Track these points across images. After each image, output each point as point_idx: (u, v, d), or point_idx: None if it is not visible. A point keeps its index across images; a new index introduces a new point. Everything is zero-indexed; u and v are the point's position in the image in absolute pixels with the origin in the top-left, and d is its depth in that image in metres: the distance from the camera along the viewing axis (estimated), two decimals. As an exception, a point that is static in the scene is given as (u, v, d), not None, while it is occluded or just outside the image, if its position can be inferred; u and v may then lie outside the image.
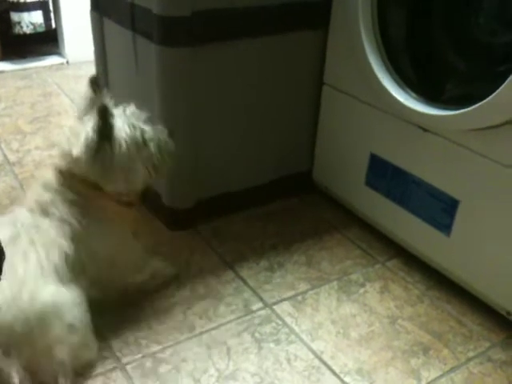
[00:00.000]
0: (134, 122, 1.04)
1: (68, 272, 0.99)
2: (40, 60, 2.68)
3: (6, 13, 2.57)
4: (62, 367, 0.95)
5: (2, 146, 1.86)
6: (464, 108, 1.09)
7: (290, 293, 1.25)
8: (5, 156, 1.79)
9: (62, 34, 2.67)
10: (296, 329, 1.15)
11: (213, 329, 1.15)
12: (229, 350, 1.10)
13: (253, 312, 1.19)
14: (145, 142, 1.05)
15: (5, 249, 0.89)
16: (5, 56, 2.66)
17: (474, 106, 1.07)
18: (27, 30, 2.56)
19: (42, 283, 0.94)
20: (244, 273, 1.30)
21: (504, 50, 1.18)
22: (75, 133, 1.00)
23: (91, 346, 1.03)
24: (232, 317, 1.18)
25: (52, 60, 2.69)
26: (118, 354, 1.07)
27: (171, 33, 1.21)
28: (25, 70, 2.58)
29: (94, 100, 1.03)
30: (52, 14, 2.60)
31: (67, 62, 2.68)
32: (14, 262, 0.93)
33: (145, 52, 1.30)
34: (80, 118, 1.03)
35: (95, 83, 1.05)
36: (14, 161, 1.77)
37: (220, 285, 1.26)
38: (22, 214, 1.01)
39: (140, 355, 1.08)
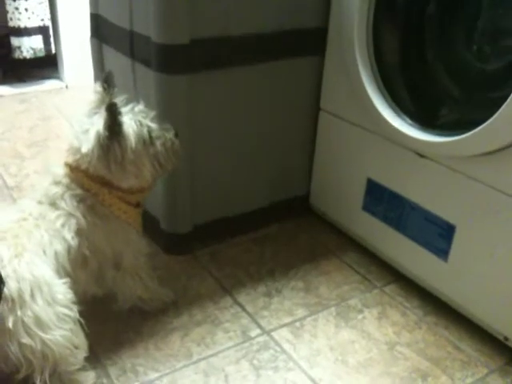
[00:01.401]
0: (141, 119, 1.06)
1: (68, 263, 1.00)
2: (39, 84, 2.70)
3: (7, 37, 2.60)
4: (43, 357, 0.93)
5: (1, 170, 1.87)
6: (459, 134, 1.11)
7: (288, 319, 1.25)
8: (3, 180, 1.80)
9: (61, 58, 2.70)
10: (294, 356, 1.15)
11: (210, 356, 1.14)
12: (227, 377, 1.09)
13: (251, 338, 1.19)
14: (151, 140, 1.06)
15: (10, 228, 0.96)
16: (4, 80, 2.68)
17: (469, 133, 1.08)
18: (27, 54, 2.59)
19: (40, 262, 0.95)
20: (242, 298, 1.30)
21: (498, 76, 1.19)
22: (84, 129, 1.02)
23: (80, 343, 1.00)
24: (230, 343, 1.17)
25: (51, 84, 2.72)
26: (116, 381, 1.07)
27: (170, 60, 1.22)
28: (24, 93, 2.60)
29: (103, 97, 1.05)
30: (52, 39, 2.63)
31: (66, 87, 2.70)
32: (17, 236, 0.95)
33: (143, 78, 1.32)
34: (89, 115, 1.04)
35: (106, 81, 1.06)
36: (13, 185, 1.77)
37: (218, 311, 1.26)
38: (31, 205, 1.03)
39: (137, 383, 1.07)
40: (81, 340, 0.99)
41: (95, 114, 1.03)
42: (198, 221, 1.45)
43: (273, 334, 1.20)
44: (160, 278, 1.28)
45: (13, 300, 0.89)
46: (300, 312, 1.27)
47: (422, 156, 1.23)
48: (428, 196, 1.24)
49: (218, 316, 1.25)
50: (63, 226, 1.01)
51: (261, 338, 1.19)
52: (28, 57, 2.59)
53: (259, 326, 1.22)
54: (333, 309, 1.28)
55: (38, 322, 0.91)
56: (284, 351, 1.16)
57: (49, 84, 2.72)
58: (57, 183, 1.05)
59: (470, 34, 1.22)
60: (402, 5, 1.30)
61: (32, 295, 0.91)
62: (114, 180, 1.05)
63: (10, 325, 0.89)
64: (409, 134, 1.22)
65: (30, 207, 1.02)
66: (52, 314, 0.93)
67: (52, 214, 1.01)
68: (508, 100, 0.99)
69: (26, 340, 0.90)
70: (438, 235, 1.23)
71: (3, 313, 0.89)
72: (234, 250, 1.48)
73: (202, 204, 1.43)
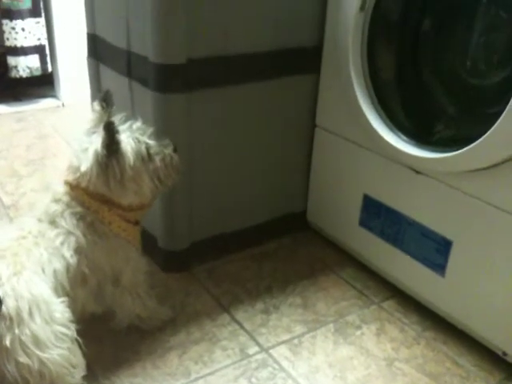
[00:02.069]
0: (139, 136, 1.07)
1: (67, 281, 1.00)
2: (36, 102, 2.71)
3: (3, 56, 2.61)
4: (40, 376, 0.92)
5: (-3, 188, 1.87)
6: (454, 150, 1.12)
7: (287, 336, 1.24)
8: (0, 199, 1.80)
9: (57, 77, 2.71)
10: (293, 373, 1.14)
11: (208, 374, 1.13)
12: (225, 395, 1.09)
13: (249, 356, 1.18)
14: (150, 156, 1.07)
15: (10, 246, 0.96)
16: (1, 99, 2.69)
17: (463, 149, 1.09)
18: (24, 73, 2.60)
19: (39, 280, 0.95)
20: (240, 316, 1.30)
21: (492, 92, 1.21)
22: (83, 148, 1.03)
23: (78, 362, 0.99)
24: (228, 361, 1.17)
25: (48, 102, 2.73)
26: (113, 401, 1.06)
27: (167, 80, 1.23)
28: (21, 112, 2.61)
29: (101, 116, 1.06)
30: (48, 58, 2.64)
31: (63, 105, 2.71)
32: (16, 254, 0.95)
33: (141, 97, 1.33)
34: (88, 134, 1.05)
35: (104, 100, 1.08)
36: (9, 204, 1.77)
37: (215, 328, 1.26)
38: (30, 222, 1.03)
39: (135, 402, 1.06)
40: (78, 359, 0.99)
41: (94, 132, 1.04)
42: (196, 238, 1.45)
43: (271, 351, 1.20)
44: (158, 296, 1.28)
45: (11, 318, 0.89)
46: (298, 329, 1.27)
47: (417, 172, 1.24)
48: (424, 211, 1.25)
49: (215, 334, 1.24)
50: (62, 244, 1.01)
51: (259, 356, 1.19)
52: (24, 76, 2.61)
53: (257, 344, 1.22)
54: (331, 325, 1.28)
55: (36, 340, 0.91)
56: (282, 369, 1.16)
57: (45, 102, 2.73)
58: (57, 201, 1.05)
59: (464, 50, 1.24)
60: (396, 22, 1.32)
61: (30, 313, 0.91)
62: (114, 197, 1.05)
63: (8, 343, 0.89)
64: (404, 150, 1.23)
65: (30, 225, 1.03)
66: (50, 332, 0.93)
67: (51, 232, 1.01)
68: (502, 116, 1.00)
69: (23, 359, 0.90)
70: (434, 250, 1.24)
71: (1, 331, 0.89)
72: (231, 267, 1.48)
73: (200, 221, 1.43)
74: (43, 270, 0.97)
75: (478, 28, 1.19)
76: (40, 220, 1.04)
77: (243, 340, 1.23)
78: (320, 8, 1.38)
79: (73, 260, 1.01)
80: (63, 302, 0.97)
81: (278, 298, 1.37)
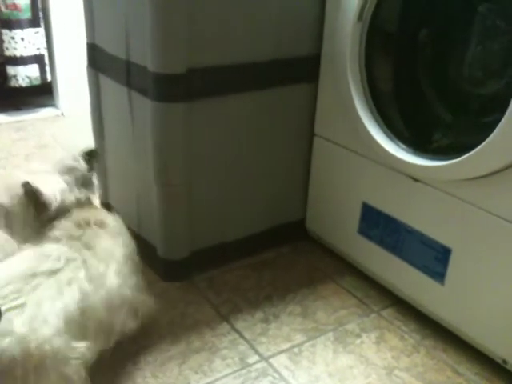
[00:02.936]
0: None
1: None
2: (35, 112, 2.72)
3: (2, 66, 2.62)
4: None
5: (-3, 198, 1.87)
6: (453, 158, 1.12)
7: (286, 345, 1.24)
8: (-1, 208, 1.80)
9: (57, 86, 2.72)
10: (293, 382, 1.14)
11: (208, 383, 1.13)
12: (225, 405, 1.09)
13: (249, 365, 1.18)
14: None
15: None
16: (0, 108, 2.70)
17: (462, 157, 1.10)
18: (23, 83, 2.61)
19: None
20: (239, 325, 1.30)
21: (490, 100, 1.22)
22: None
23: None
24: (228, 371, 1.17)
25: (47, 112, 2.73)
26: (113, 412, 1.06)
27: (166, 89, 1.24)
28: (20, 122, 2.61)
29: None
30: (48, 68, 2.65)
31: (62, 114, 2.72)
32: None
33: (140, 107, 1.34)
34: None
35: (90, 155, 1.16)
36: (9, 213, 1.77)
37: (215, 337, 1.26)
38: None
39: (135, 413, 1.06)
40: None
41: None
42: (196, 247, 1.45)
43: (271, 360, 1.20)
44: (157, 305, 1.28)
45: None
46: (298, 337, 1.27)
47: (416, 180, 1.24)
48: (423, 220, 1.25)
49: (215, 343, 1.24)
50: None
51: (259, 365, 1.18)
52: (24, 85, 2.62)
53: (257, 353, 1.22)
54: (330, 334, 1.28)
55: None
56: (283, 378, 1.15)
57: (45, 112, 2.74)
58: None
59: (461, 59, 1.24)
60: (394, 32, 1.33)
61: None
62: None
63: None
64: (403, 158, 1.24)
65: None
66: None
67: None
68: (500, 124, 1.01)
69: None
70: (434, 258, 1.24)
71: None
72: (231, 276, 1.48)
73: (200, 230, 1.43)
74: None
75: (475, 37, 1.20)
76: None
77: (243, 349, 1.23)
78: (318, 18, 1.39)
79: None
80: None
81: (277, 306, 1.37)
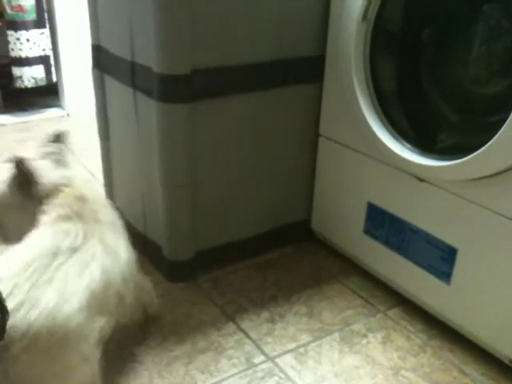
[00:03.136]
0: None
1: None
2: (41, 112, 2.73)
3: (8, 67, 2.64)
4: None
5: (3, 199, 1.87)
6: (458, 158, 1.12)
7: (292, 345, 1.24)
8: (5, 209, 1.80)
9: (62, 87, 2.73)
10: (299, 382, 1.14)
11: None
12: (231, 405, 1.09)
13: (255, 365, 1.18)
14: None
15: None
16: (6, 109, 2.71)
17: (467, 157, 1.09)
18: (28, 83, 2.62)
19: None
20: (245, 325, 1.30)
21: (495, 100, 1.21)
22: None
23: None
24: (234, 371, 1.17)
25: (52, 112, 2.75)
26: (119, 412, 1.06)
27: (171, 90, 1.24)
28: (26, 122, 2.62)
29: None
30: (53, 68, 2.66)
31: (68, 115, 2.73)
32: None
33: (145, 108, 1.34)
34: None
35: (59, 138, 1.19)
36: (15, 214, 1.77)
37: (221, 338, 1.26)
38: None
39: (141, 413, 1.06)
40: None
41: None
42: (200, 247, 1.45)
43: (277, 360, 1.20)
44: (162, 306, 1.28)
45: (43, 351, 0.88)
46: (304, 338, 1.27)
47: (421, 180, 1.24)
48: (429, 219, 1.25)
49: (221, 343, 1.24)
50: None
51: (265, 365, 1.19)
52: (29, 86, 2.63)
53: (263, 353, 1.22)
54: (336, 334, 1.28)
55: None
56: (289, 378, 1.15)
57: (50, 112, 2.75)
58: None
59: (465, 59, 1.24)
60: (398, 31, 1.33)
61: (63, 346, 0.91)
62: None
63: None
64: (408, 158, 1.23)
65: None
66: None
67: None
68: (506, 123, 1.01)
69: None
70: (440, 258, 1.24)
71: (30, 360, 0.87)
72: (236, 276, 1.48)
73: (204, 230, 1.43)
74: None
75: (479, 37, 1.19)
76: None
77: (249, 349, 1.23)
78: (323, 18, 1.39)
79: None
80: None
81: (283, 306, 1.37)
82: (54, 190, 1.10)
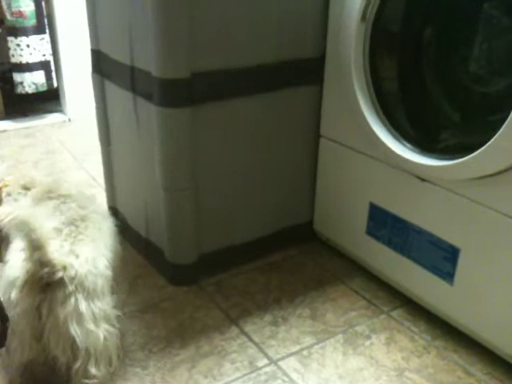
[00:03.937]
0: None
1: None
2: (42, 118, 2.74)
3: (9, 73, 2.64)
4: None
5: (6, 205, 1.88)
6: (459, 158, 1.11)
7: (296, 348, 1.24)
8: (8, 215, 1.80)
9: (63, 92, 2.74)
10: (303, 385, 1.14)
11: (218, 388, 1.14)
12: (235, 409, 1.08)
13: (258, 369, 1.18)
14: None
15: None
16: (7, 115, 2.72)
17: (468, 156, 1.09)
18: (29, 89, 2.63)
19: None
20: (248, 328, 1.30)
21: (496, 98, 1.21)
22: None
23: (117, 351, 1.07)
24: (237, 374, 1.16)
25: (54, 118, 2.75)
26: (123, 417, 1.06)
27: (171, 94, 1.24)
28: (28, 128, 2.63)
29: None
30: (54, 74, 2.67)
31: (69, 120, 2.73)
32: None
33: (145, 112, 1.34)
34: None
35: None
36: (17, 220, 1.77)
37: (224, 341, 1.26)
38: None
39: (145, 418, 1.06)
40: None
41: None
42: (203, 250, 1.45)
43: (280, 363, 1.20)
44: (166, 310, 1.28)
45: (88, 292, 0.98)
46: (307, 340, 1.26)
47: (423, 180, 1.23)
48: (431, 219, 1.25)
49: (224, 347, 1.24)
50: None
51: (268, 368, 1.18)
52: (30, 92, 2.63)
53: (266, 356, 1.22)
54: (340, 336, 1.28)
55: (104, 315, 1.02)
56: (292, 381, 1.15)
57: (52, 118, 2.75)
58: None
59: (466, 58, 1.24)
60: (397, 31, 1.33)
61: (103, 293, 1.02)
62: None
63: (84, 310, 0.97)
64: (409, 158, 1.23)
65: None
66: (112, 312, 1.05)
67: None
68: (506, 122, 1.00)
69: (91, 326, 0.98)
70: (442, 258, 1.23)
71: (78, 299, 0.96)
72: (239, 279, 1.48)
73: (207, 234, 1.43)
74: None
75: (481, 35, 1.19)
76: None
77: (252, 352, 1.22)
78: (321, 19, 1.38)
79: None
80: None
81: (286, 309, 1.36)
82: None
